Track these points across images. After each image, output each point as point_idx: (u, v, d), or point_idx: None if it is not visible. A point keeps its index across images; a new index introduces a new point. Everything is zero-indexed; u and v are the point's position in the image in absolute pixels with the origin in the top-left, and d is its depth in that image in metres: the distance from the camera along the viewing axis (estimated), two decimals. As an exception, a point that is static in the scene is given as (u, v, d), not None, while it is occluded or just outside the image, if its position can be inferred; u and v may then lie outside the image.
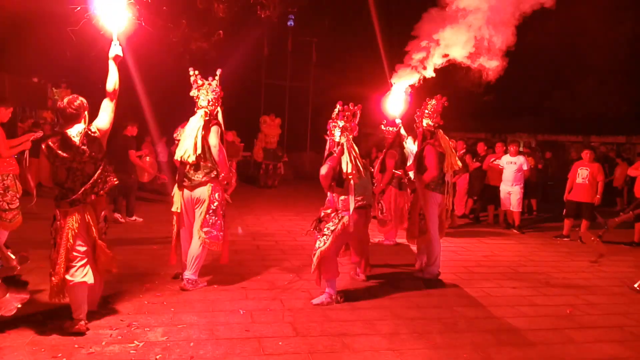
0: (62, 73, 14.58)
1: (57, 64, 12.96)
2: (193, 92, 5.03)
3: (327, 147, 4.92)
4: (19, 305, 3.78)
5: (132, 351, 3.52)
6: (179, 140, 5.04)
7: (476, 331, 4.25)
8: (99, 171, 3.86)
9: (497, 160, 9.54)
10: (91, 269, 3.87)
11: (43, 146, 3.80)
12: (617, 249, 7.86)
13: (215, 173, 4.91)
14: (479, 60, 5.81)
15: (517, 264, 6.78)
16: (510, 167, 9.22)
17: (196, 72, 5.03)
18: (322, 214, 4.86)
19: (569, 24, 15.51)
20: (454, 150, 5.96)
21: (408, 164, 6.61)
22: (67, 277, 3.77)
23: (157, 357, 3.47)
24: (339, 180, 4.72)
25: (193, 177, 4.88)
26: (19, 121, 10.93)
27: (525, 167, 9.22)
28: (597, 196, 8.47)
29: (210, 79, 5.06)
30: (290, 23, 18.11)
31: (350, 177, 4.63)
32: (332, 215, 4.78)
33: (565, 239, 8.64)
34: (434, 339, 4.04)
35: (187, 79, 5.10)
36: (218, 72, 5.09)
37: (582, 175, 8.57)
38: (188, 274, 4.90)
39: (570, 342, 4.15)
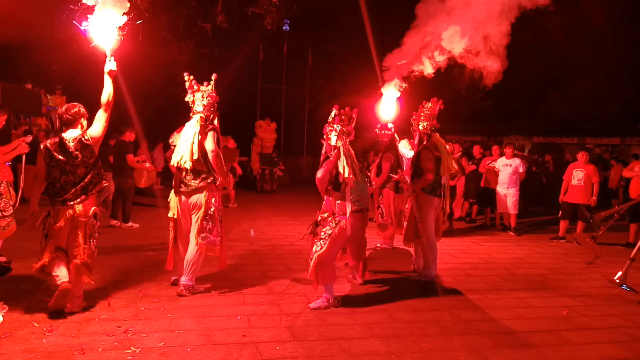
0: (56, 79, 14.53)
1: (51, 71, 12.95)
2: (188, 98, 5.01)
3: (324, 151, 4.91)
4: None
5: (129, 357, 3.51)
6: (174, 146, 5.02)
7: (473, 334, 4.26)
8: (89, 175, 4.26)
9: (493, 163, 9.60)
10: (65, 266, 4.21)
11: (42, 146, 4.21)
12: (613, 250, 7.89)
13: (211, 179, 4.89)
14: (476, 60, 5.82)
15: (513, 266, 6.79)
16: (506, 170, 9.27)
17: (191, 77, 5.01)
18: (319, 217, 4.86)
19: (564, 26, 15.63)
20: (450, 153, 5.98)
21: (404, 168, 6.64)
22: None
23: (154, 363, 3.46)
24: (335, 184, 4.73)
25: (189, 183, 4.87)
26: (12, 128, 10.87)
27: (521, 170, 9.27)
28: (593, 197, 8.51)
29: (205, 84, 5.05)
30: (286, 28, 18.16)
31: (346, 180, 4.64)
32: (329, 219, 4.77)
33: (561, 241, 8.69)
34: (431, 341, 4.04)
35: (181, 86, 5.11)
36: (213, 77, 5.07)
37: (578, 177, 8.61)
38: (184, 280, 4.88)
39: (567, 343, 4.16)
